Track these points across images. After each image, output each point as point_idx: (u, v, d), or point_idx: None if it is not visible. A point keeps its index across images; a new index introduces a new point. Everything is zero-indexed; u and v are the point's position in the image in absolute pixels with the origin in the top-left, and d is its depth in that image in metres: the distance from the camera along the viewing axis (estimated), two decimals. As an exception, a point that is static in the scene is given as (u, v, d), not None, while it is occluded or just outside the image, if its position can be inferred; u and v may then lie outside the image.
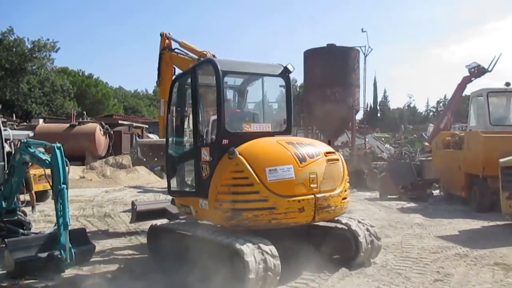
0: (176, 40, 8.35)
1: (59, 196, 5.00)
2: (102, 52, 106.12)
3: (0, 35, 33.04)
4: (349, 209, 9.14)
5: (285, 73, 5.72)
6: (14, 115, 33.13)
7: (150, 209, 7.33)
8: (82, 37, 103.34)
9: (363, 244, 5.51)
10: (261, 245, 4.73)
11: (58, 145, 5.28)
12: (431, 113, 69.19)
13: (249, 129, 5.45)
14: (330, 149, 5.65)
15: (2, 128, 7.59)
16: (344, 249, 5.67)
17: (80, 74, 61.57)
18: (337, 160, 5.57)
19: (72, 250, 4.90)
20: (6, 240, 5.53)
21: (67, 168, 5.15)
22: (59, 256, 4.88)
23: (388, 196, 12.48)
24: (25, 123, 28.53)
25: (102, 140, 21.95)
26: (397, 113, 70.79)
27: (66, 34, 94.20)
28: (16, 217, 6.80)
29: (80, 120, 24.37)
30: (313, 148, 5.36)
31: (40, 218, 9.97)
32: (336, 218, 5.71)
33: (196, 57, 7.50)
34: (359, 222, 5.77)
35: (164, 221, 6.96)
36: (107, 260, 6.34)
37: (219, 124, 5.21)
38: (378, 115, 69.26)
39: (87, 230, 6.95)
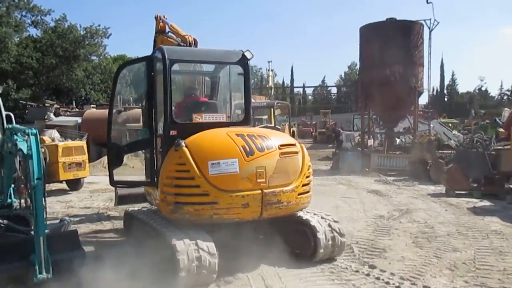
0: (167, 23, 8.36)
1: (33, 194, 4.35)
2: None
3: (54, 23, 35.26)
4: (409, 208, 9.08)
5: (243, 60, 5.54)
6: (74, 102, 35.50)
7: (131, 193, 7.45)
8: (137, 23, 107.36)
9: (322, 240, 5.27)
10: (199, 242, 4.68)
11: (34, 131, 4.63)
12: (505, 97, 63.92)
13: (200, 120, 5.38)
14: (288, 141, 5.44)
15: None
16: (303, 245, 5.47)
17: (139, 60, 64.27)
18: (295, 153, 5.35)
19: (49, 261, 4.31)
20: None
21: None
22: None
23: (456, 192, 10.66)
24: (77, 110, 30.48)
25: (146, 126, 22.70)
26: (466, 97, 66.30)
27: (122, 21, 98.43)
28: (12, 213, 6.03)
29: (126, 106, 25.56)
30: (265, 140, 5.18)
31: (63, 210, 9.68)
32: (297, 213, 5.51)
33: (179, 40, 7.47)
34: (321, 218, 5.54)
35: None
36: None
37: (166, 115, 5.18)
38: (445, 99, 65.34)
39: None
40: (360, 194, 11.20)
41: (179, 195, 4.94)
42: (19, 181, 7.72)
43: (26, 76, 33.20)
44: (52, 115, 27.52)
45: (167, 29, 8.33)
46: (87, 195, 11.73)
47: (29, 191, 4.53)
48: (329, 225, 5.49)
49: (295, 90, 72.90)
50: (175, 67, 5.46)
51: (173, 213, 5.02)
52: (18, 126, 5.29)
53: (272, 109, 16.70)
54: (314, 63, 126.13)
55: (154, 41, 8.51)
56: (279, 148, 5.19)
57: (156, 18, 8.46)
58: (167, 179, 5.08)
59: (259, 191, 4.95)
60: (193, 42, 7.19)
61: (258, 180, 4.96)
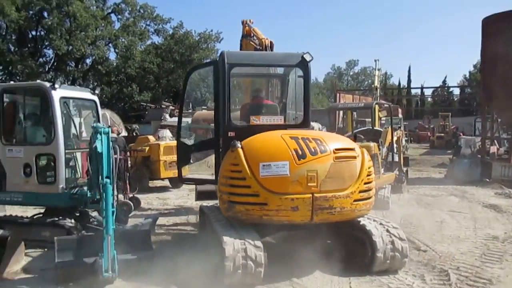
0: (251, 27, 8.73)
1: (103, 193, 4.56)
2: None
3: (172, 30, 38.63)
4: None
5: (303, 62, 5.59)
6: (190, 104, 38.48)
7: (210, 189, 7.91)
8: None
9: (379, 243, 5.11)
10: (246, 236, 4.87)
11: (106, 129, 4.94)
12: None
13: (257, 122, 5.57)
14: (347, 145, 5.34)
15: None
16: (361, 252, 5.35)
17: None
18: (352, 158, 5.23)
19: (116, 260, 4.54)
20: (56, 237, 5.17)
21: (116, 157, 4.93)
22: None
23: None
24: (191, 111, 32.95)
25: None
26: None
27: (234, 26, 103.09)
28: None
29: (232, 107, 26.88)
30: (320, 143, 5.17)
31: (159, 206, 10.48)
32: (360, 219, 5.42)
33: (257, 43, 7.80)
34: (379, 224, 5.35)
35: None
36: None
37: (224, 117, 5.47)
38: None
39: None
40: (474, 209, 9.96)
41: (232, 195, 5.21)
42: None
43: (148, 80, 36.95)
44: (167, 116, 30.22)
45: (252, 33, 8.72)
46: (185, 192, 12.58)
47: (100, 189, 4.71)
48: (387, 230, 5.29)
49: (413, 91, 68.86)
50: (237, 70, 5.72)
51: (227, 211, 5.31)
52: (101, 124, 5.66)
53: (374, 111, 16.09)
54: (434, 62, 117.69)
55: (240, 44, 8.98)
56: (334, 152, 5.13)
57: (242, 22, 8.91)
58: (223, 178, 5.39)
59: (310, 195, 4.98)
60: (269, 45, 7.45)
61: (309, 184, 4.98)
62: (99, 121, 7.00)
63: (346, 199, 5.10)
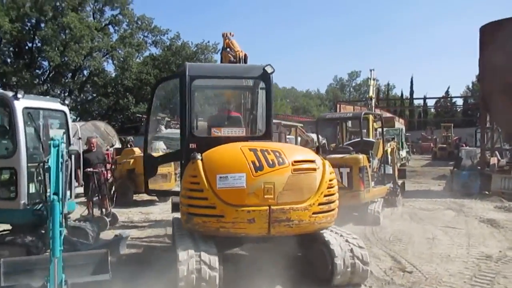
0: (230, 40, 8.88)
1: (50, 211, 4.19)
2: (274, 54, 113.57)
3: (169, 41, 38.84)
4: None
5: (264, 74, 5.67)
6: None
7: None
8: (252, 41, 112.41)
9: (340, 266, 5.12)
10: (203, 254, 4.88)
11: (56, 142, 4.69)
12: None
13: (219, 134, 5.63)
14: (306, 157, 5.38)
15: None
16: (322, 267, 5.34)
17: (251, 76, 67.96)
18: (311, 170, 5.28)
19: (64, 284, 4.19)
20: (1, 259, 4.78)
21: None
22: None
23: None
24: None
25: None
26: None
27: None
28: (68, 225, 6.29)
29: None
30: (278, 155, 5.23)
31: (139, 219, 10.46)
32: (321, 232, 5.44)
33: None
34: (345, 241, 5.33)
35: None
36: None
37: (184, 129, 5.55)
38: None
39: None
40: (470, 224, 9.61)
41: (191, 206, 5.29)
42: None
43: (145, 91, 37.10)
44: (163, 128, 30.29)
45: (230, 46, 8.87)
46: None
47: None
48: (351, 250, 5.26)
49: (416, 102, 69.01)
50: (202, 82, 5.81)
51: (186, 223, 5.38)
52: (59, 136, 5.31)
53: (368, 121, 15.98)
54: (437, 73, 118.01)
55: (221, 57, 9.12)
56: (293, 164, 5.19)
57: (223, 35, 9.07)
58: (183, 190, 5.47)
59: (266, 207, 5.03)
60: (243, 58, 7.57)
61: (266, 196, 5.04)
62: (68, 132, 6.92)
63: (304, 212, 5.13)
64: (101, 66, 35.20)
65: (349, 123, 18.21)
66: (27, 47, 33.59)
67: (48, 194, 5.36)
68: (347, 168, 9.61)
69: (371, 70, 21.33)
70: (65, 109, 7.01)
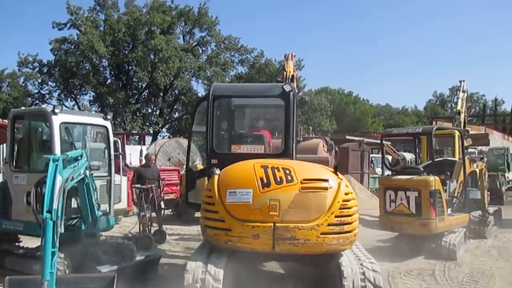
0: (288, 60, 9.41)
1: (43, 230, 4.08)
2: (361, 70, 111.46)
3: (252, 59, 40.25)
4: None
5: (283, 93, 5.95)
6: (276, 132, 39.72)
7: None
8: (343, 57, 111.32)
9: (346, 272, 5.15)
10: (209, 265, 5.26)
11: (56, 157, 4.72)
12: None
13: (238, 151, 6.00)
14: (318, 176, 5.48)
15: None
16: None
17: (340, 92, 67.52)
18: (322, 189, 5.37)
19: None
20: (7, 277, 4.83)
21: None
22: None
23: None
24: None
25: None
26: None
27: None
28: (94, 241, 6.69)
29: (306, 135, 27.11)
30: (288, 173, 5.42)
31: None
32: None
33: None
34: (360, 263, 5.31)
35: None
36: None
37: (207, 145, 6.02)
38: None
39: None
40: None
41: (206, 219, 5.73)
42: None
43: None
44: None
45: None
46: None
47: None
48: (363, 273, 5.22)
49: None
50: (227, 101, 6.25)
51: (203, 235, 5.83)
52: (74, 153, 5.68)
53: (454, 138, 15.02)
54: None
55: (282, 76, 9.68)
56: (301, 182, 5.34)
57: (285, 56, 9.65)
58: (202, 203, 5.88)
59: (271, 224, 5.25)
60: (289, 77, 7.97)
61: (271, 213, 5.26)
62: (109, 147, 7.29)
63: (310, 231, 5.23)
64: (188, 85, 37.55)
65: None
66: (124, 69, 37.14)
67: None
68: (414, 192, 9.02)
69: (461, 81, 20.13)
70: (107, 124, 7.29)
